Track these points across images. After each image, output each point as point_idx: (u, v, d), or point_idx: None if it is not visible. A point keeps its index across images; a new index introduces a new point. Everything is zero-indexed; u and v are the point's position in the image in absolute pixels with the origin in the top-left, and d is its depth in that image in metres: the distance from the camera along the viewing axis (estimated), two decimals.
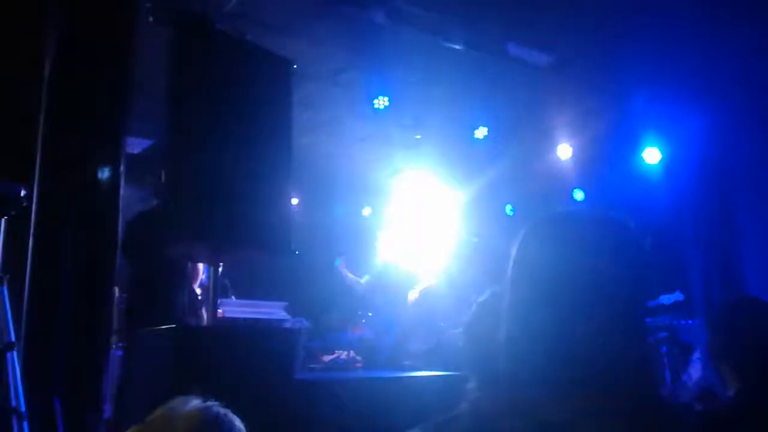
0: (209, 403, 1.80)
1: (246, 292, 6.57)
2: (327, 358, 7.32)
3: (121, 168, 3.99)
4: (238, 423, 1.75)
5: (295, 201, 8.01)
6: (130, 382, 3.07)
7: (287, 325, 6.89)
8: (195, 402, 1.79)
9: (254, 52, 3.05)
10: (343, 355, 7.30)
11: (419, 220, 8.27)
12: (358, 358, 7.46)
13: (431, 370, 7.35)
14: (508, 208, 9.20)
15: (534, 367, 1.01)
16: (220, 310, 5.73)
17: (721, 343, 1.92)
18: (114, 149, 3.89)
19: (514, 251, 1.10)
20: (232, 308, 5.91)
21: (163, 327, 2.80)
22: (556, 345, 1.00)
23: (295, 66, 3.02)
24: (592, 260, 1.01)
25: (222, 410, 1.74)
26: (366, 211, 9.28)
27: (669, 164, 6.68)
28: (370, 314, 7.84)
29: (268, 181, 2.84)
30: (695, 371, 6.70)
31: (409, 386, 2.96)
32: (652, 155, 6.70)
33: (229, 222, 2.71)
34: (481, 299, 1.69)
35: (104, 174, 3.80)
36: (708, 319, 2.00)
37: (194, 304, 5.15)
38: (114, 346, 5.58)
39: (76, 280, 3.53)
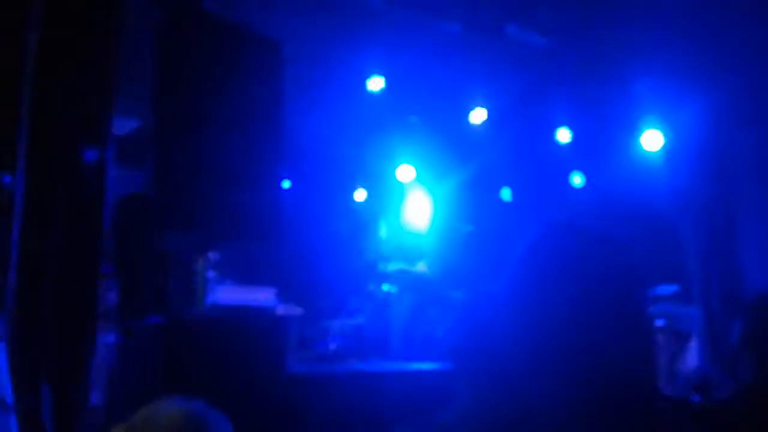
0: (194, 402, 1.77)
1: (237, 277, 6.45)
2: (319, 345, 7.26)
3: (108, 152, 3.87)
4: (223, 423, 1.72)
5: (287, 184, 7.90)
6: (119, 373, 3.00)
7: (279, 311, 6.81)
8: (179, 402, 1.77)
9: (243, 36, 2.96)
10: (335, 343, 7.24)
11: (414, 204, 8.19)
12: (351, 345, 7.40)
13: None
14: (506, 192, 9.10)
15: (539, 374, 1.00)
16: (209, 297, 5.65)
17: (751, 332, 1.96)
18: (100, 133, 3.77)
19: (515, 264, 1.10)
20: (222, 294, 5.80)
21: (152, 321, 2.74)
22: (561, 355, 0.98)
23: (283, 48, 2.90)
24: (596, 277, 1.03)
25: (206, 410, 1.72)
26: (360, 194, 9.17)
27: (669, 151, 6.59)
28: (370, 307, 7.75)
29: (259, 166, 2.75)
30: (692, 360, 6.67)
31: (402, 381, 2.91)
32: (652, 141, 6.59)
33: (219, 212, 2.63)
34: (469, 294, 1.62)
35: (90, 158, 3.70)
36: (747, 305, 2.07)
37: (184, 291, 5.05)
38: (102, 332, 5.52)
39: (62, 266, 3.44)
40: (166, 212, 2.60)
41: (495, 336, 1.14)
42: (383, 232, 8.08)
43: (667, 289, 6.59)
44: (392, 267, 6.95)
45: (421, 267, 6.90)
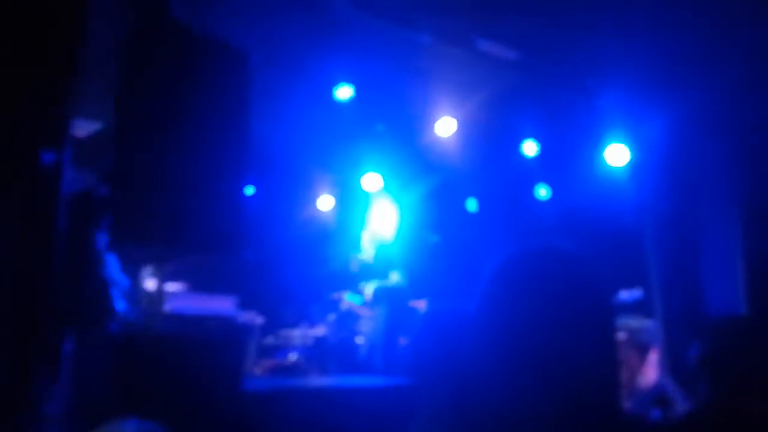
0: (146, 423, 1.71)
1: (195, 285, 6.31)
2: (280, 355, 7.15)
3: (66, 154, 3.75)
4: None
5: (251, 191, 7.78)
6: (72, 386, 2.88)
7: (239, 320, 6.68)
8: (132, 423, 1.71)
9: (211, 44, 2.88)
10: (296, 352, 7.14)
11: (381, 213, 8.15)
12: (313, 354, 7.31)
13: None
14: (471, 202, 9.13)
15: (505, 384, 1.01)
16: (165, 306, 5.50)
17: (709, 355, 1.99)
18: (58, 135, 3.65)
19: (483, 286, 1.11)
20: (179, 303, 5.65)
21: (101, 335, 2.64)
22: (527, 366, 1.00)
23: (251, 58, 2.84)
24: (561, 297, 1.04)
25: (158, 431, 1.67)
26: (324, 201, 9.11)
27: (633, 164, 6.68)
28: (331, 316, 7.67)
29: (222, 176, 2.68)
30: (651, 372, 6.75)
31: (362, 397, 2.86)
32: (616, 155, 6.67)
33: (178, 223, 2.55)
34: (427, 312, 1.60)
35: (46, 160, 3.58)
36: (705, 327, 2.11)
37: (138, 301, 4.90)
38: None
39: (14, 270, 3.31)
40: (119, 229, 2.51)
41: (462, 349, 1.18)
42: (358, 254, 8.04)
43: (631, 295, 6.66)
44: (369, 287, 6.91)
45: (394, 277, 6.85)
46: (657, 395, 5.90)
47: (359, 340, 7.57)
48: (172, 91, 2.68)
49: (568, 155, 7.33)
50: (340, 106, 5.96)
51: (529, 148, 7.39)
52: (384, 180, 7.96)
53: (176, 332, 2.67)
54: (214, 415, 2.46)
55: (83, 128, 7.26)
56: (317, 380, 3.17)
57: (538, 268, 1.10)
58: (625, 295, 6.67)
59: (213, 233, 2.74)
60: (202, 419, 2.40)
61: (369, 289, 6.83)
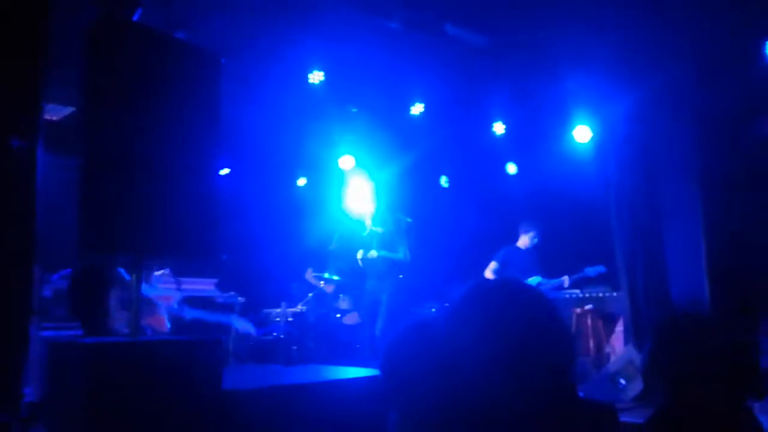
0: None
1: (176, 268, 6.41)
2: (260, 332, 7.31)
3: (38, 137, 3.77)
4: None
5: (225, 171, 7.86)
6: (47, 391, 2.92)
7: (219, 300, 6.83)
8: None
9: (179, 48, 2.89)
10: (276, 329, 7.32)
11: (355, 192, 8.27)
12: (293, 330, 7.49)
13: None
14: (444, 179, 9.32)
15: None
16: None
17: (656, 359, 2.02)
18: (30, 118, 3.66)
19: (449, 315, 1.28)
20: (161, 285, 5.78)
21: (77, 339, 2.65)
22: (486, 396, 1.16)
23: (223, 61, 2.88)
24: (520, 324, 1.19)
25: None
26: (301, 182, 9.21)
27: (598, 142, 6.86)
28: (310, 295, 7.83)
29: (193, 181, 2.70)
30: (618, 342, 7.03)
31: (342, 389, 2.90)
32: (582, 134, 6.86)
33: (150, 229, 2.55)
34: (397, 332, 1.72)
35: (19, 146, 3.60)
36: (652, 332, 2.12)
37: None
38: (36, 327, 5.43)
39: None
40: (91, 235, 2.53)
41: (436, 349, 1.31)
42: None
43: (593, 270, 6.90)
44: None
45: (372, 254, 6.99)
46: (622, 365, 6.16)
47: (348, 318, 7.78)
48: (140, 98, 2.66)
49: (536, 134, 7.51)
50: (313, 89, 6.05)
51: (498, 128, 7.57)
52: (358, 159, 8.06)
53: (154, 342, 2.65)
54: (195, 417, 2.46)
55: (54, 112, 7.26)
56: (296, 376, 3.21)
57: (499, 294, 1.26)
58: (590, 271, 6.91)
59: (184, 239, 2.72)
60: (183, 421, 2.43)
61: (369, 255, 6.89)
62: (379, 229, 6.95)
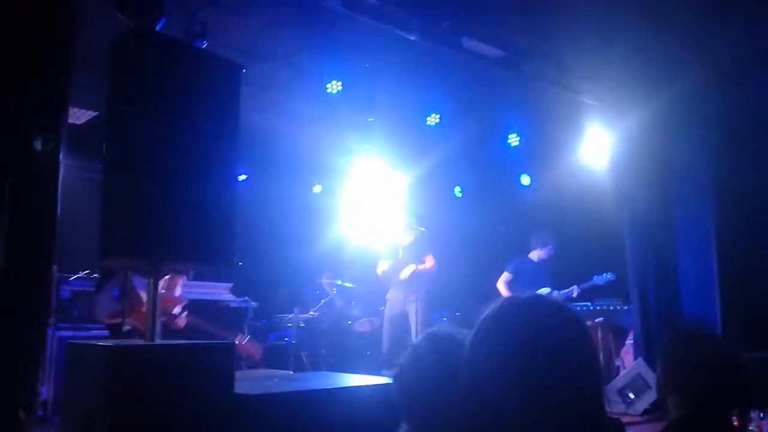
0: None
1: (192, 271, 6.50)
2: (272, 337, 7.36)
3: (62, 141, 3.86)
4: None
5: (242, 177, 7.96)
6: (67, 390, 2.97)
7: (233, 305, 6.91)
8: None
9: (201, 57, 2.97)
10: (289, 334, 7.37)
11: (370, 200, 8.33)
12: (304, 336, 7.55)
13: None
14: (457, 190, 9.37)
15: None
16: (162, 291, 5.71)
17: (668, 374, 2.03)
18: (54, 121, 3.76)
19: (471, 335, 1.24)
20: (180, 290, 5.87)
21: (99, 343, 2.71)
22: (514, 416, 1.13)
23: (244, 71, 2.96)
24: (547, 342, 1.17)
25: None
26: (316, 189, 9.28)
27: (612, 154, 6.87)
28: (322, 301, 7.89)
29: (212, 187, 2.76)
30: (627, 356, 7.02)
31: (353, 396, 2.92)
32: (596, 148, 6.88)
33: (168, 234, 2.61)
34: (417, 341, 1.74)
35: (43, 147, 3.68)
36: (658, 350, 2.14)
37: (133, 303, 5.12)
38: (54, 327, 5.54)
39: (11, 257, 3.41)
40: (112, 240, 2.59)
41: (457, 366, 1.25)
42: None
43: (602, 278, 6.91)
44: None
45: (384, 265, 7.04)
46: (631, 379, 6.17)
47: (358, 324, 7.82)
48: (163, 108, 2.71)
49: (550, 146, 7.54)
50: (330, 98, 6.12)
51: (513, 139, 7.63)
52: (375, 168, 8.11)
53: (171, 347, 2.69)
54: (207, 420, 2.50)
55: (78, 116, 7.39)
56: (307, 382, 3.23)
57: (527, 311, 1.24)
58: (598, 279, 6.92)
59: (202, 245, 2.76)
60: (195, 424, 2.47)
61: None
62: (406, 241, 7.00)
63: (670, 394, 2.02)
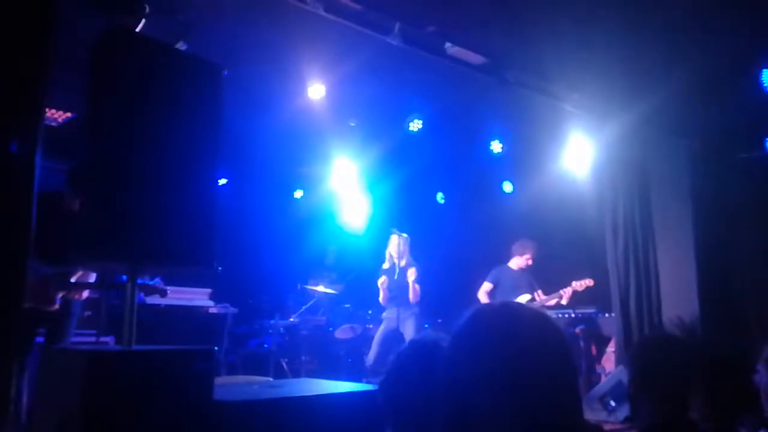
0: None
1: (169, 277, 6.42)
2: (252, 343, 7.29)
3: (38, 143, 3.79)
4: None
5: (222, 181, 7.90)
6: (40, 396, 2.91)
7: (212, 311, 6.84)
8: None
9: (182, 59, 2.93)
10: (269, 341, 7.31)
11: (353, 205, 8.31)
12: (285, 342, 7.49)
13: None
14: (440, 196, 9.38)
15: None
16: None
17: (638, 380, 2.05)
18: (31, 122, 3.70)
19: (449, 342, 1.25)
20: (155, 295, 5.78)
21: (73, 348, 2.65)
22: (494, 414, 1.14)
23: (225, 73, 2.92)
24: (525, 343, 1.18)
25: None
26: (298, 194, 9.24)
27: (593, 161, 6.91)
28: (303, 308, 7.83)
29: (192, 190, 2.72)
30: (609, 364, 7.05)
31: (335, 403, 2.89)
32: (577, 156, 6.92)
33: (147, 237, 2.57)
34: (401, 349, 1.74)
35: (19, 149, 3.62)
36: (628, 356, 2.14)
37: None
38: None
39: None
40: (89, 242, 2.54)
41: (436, 370, 1.26)
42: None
43: (581, 285, 6.94)
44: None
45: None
46: (613, 386, 6.19)
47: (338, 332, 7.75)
48: (143, 109, 2.68)
49: (532, 153, 7.57)
50: (312, 102, 6.10)
51: (495, 146, 7.65)
52: (355, 174, 8.10)
53: (149, 353, 2.64)
54: (186, 428, 2.46)
55: (56, 118, 7.27)
56: (288, 389, 3.19)
57: (501, 316, 1.25)
58: (577, 285, 6.95)
59: (182, 248, 2.73)
60: (174, 430, 2.45)
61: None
62: (392, 249, 6.94)
63: (642, 401, 2.03)
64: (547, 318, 1.23)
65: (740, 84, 5.87)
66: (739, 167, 6.11)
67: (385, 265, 6.97)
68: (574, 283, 6.97)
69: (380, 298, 6.91)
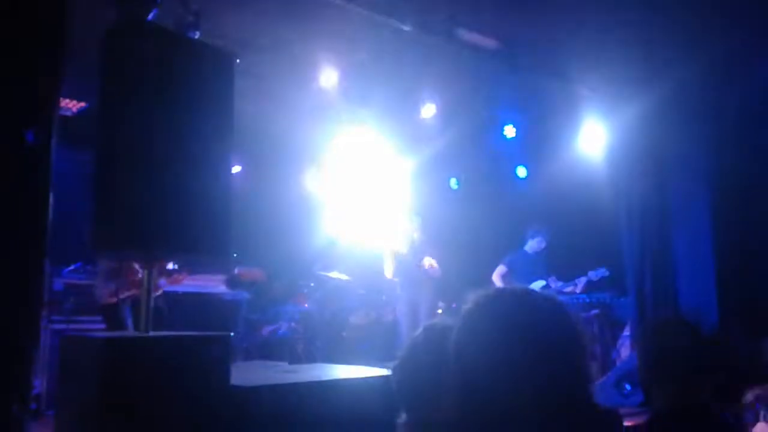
0: None
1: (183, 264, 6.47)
2: (267, 329, 7.35)
3: (53, 131, 3.83)
4: None
5: (237, 168, 7.91)
6: (61, 384, 2.96)
7: (227, 297, 6.89)
8: None
9: (194, 48, 2.93)
10: (284, 327, 7.35)
11: (365, 191, 8.30)
12: (299, 329, 7.53)
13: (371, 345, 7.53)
14: (453, 181, 9.35)
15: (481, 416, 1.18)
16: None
17: (649, 365, 2.04)
18: (46, 114, 3.72)
19: (458, 324, 1.27)
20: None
21: (93, 335, 2.69)
22: (503, 397, 1.16)
23: (238, 61, 2.92)
24: (532, 328, 1.20)
25: None
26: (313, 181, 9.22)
27: (608, 146, 6.86)
28: (312, 284, 7.87)
29: (206, 178, 2.74)
30: (624, 349, 7.03)
31: (353, 389, 2.91)
32: (592, 139, 6.86)
33: (162, 225, 2.58)
34: (415, 334, 1.75)
35: (35, 138, 3.65)
36: (638, 340, 2.12)
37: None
38: (47, 319, 5.50)
39: (2, 250, 3.38)
40: (105, 231, 2.57)
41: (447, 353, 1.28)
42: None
43: (596, 274, 6.91)
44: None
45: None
46: (628, 370, 6.16)
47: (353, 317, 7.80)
48: (156, 98, 2.68)
49: (546, 138, 7.52)
50: (325, 90, 6.09)
51: (509, 131, 7.60)
52: (371, 161, 8.08)
53: (167, 339, 2.67)
54: (203, 412, 2.49)
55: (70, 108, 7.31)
56: (305, 374, 3.21)
57: (512, 299, 1.27)
58: (593, 274, 6.91)
59: (197, 237, 2.74)
60: (191, 415, 2.46)
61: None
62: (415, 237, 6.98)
63: (652, 385, 2.02)
64: (556, 301, 1.25)
65: (759, 67, 5.79)
66: (757, 150, 6.03)
67: (401, 249, 6.99)
68: (590, 273, 6.94)
69: (394, 279, 6.96)
